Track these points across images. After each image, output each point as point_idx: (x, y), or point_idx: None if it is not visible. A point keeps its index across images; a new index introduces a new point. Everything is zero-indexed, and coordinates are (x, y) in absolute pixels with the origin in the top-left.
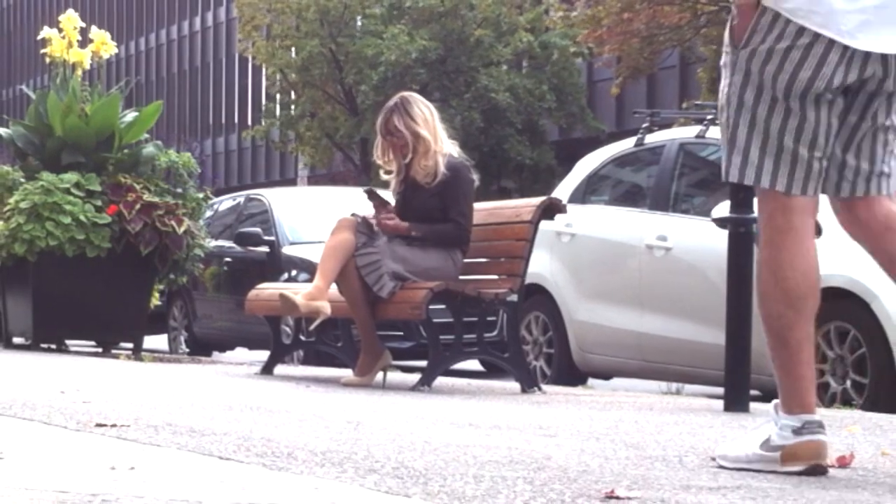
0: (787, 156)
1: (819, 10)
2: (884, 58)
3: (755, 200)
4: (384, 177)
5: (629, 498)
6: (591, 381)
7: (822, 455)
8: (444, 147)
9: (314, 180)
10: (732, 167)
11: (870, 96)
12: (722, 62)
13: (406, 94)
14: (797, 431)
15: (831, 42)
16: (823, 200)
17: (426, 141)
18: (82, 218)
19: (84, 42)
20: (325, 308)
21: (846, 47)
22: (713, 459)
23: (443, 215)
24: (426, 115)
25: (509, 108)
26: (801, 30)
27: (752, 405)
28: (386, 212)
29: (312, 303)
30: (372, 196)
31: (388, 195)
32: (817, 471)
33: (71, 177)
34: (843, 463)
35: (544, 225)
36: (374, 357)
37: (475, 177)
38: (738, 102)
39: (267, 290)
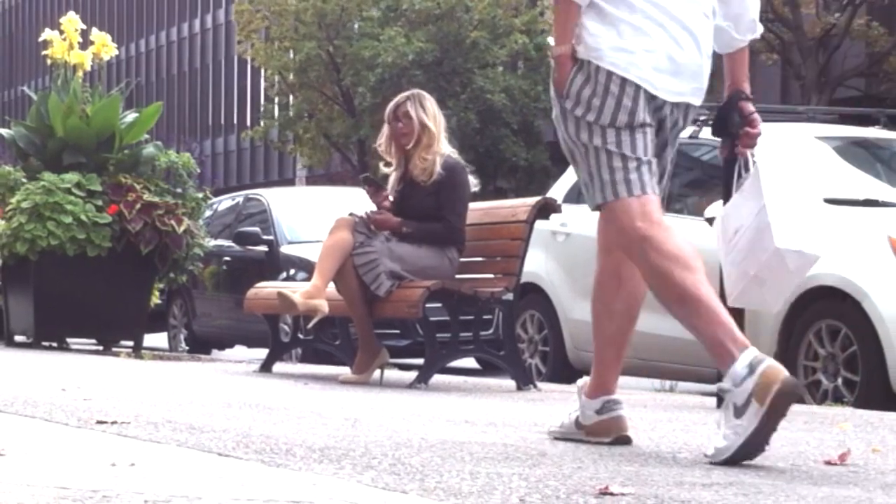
0: (630, 163)
1: (622, 58)
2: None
3: None
4: (384, 169)
5: (623, 494)
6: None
7: (623, 428)
8: (443, 148)
9: (312, 180)
10: (595, 197)
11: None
12: (553, 115)
13: (421, 91)
14: (599, 411)
15: (638, 87)
16: None
17: (431, 134)
18: (83, 217)
19: (85, 44)
20: (323, 306)
21: (645, 91)
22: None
23: (437, 214)
24: (435, 113)
25: (505, 109)
26: (610, 76)
27: None
28: (382, 197)
29: (310, 301)
30: (368, 181)
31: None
32: (621, 441)
33: (72, 177)
34: (842, 460)
35: (539, 224)
36: (371, 355)
37: (475, 180)
38: (584, 146)
39: (265, 288)
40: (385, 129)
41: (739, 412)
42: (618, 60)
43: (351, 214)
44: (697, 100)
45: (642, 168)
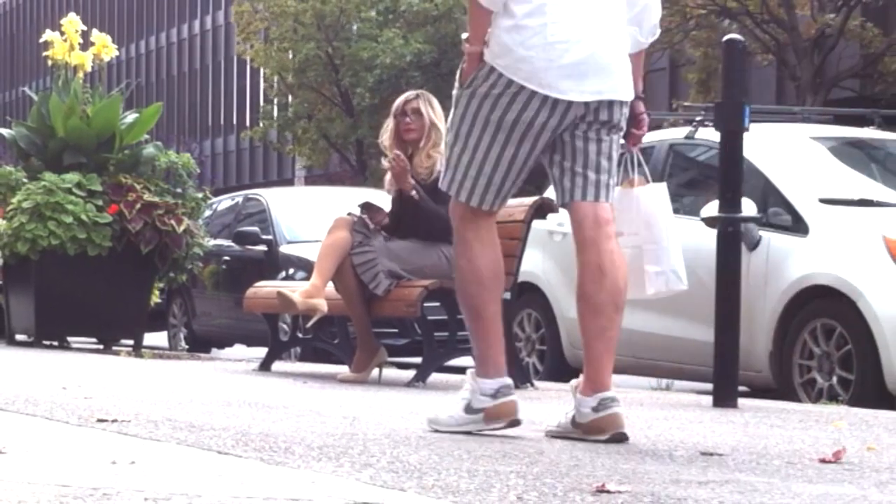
0: (482, 179)
1: (524, 68)
2: (586, 102)
3: (743, 201)
4: (384, 163)
5: (620, 492)
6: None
7: (516, 412)
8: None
9: (311, 180)
10: (445, 179)
11: (587, 124)
12: (453, 94)
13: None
14: (494, 395)
15: (533, 92)
16: None
17: (440, 133)
18: (84, 217)
19: (85, 45)
20: (322, 306)
21: (546, 96)
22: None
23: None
24: (442, 115)
25: None
26: (510, 81)
27: (741, 400)
28: (382, 215)
29: (309, 300)
30: (367, 207)
31: (383, 195)
32: (514, 424)
33: (72, 177)
34: (837, 458)
35: (536, 224)
36: (369, 354)
37: None
38: (456, 131)
39: (265, 288)
40: (389, 123)
41: (470, 412)
42: (521, 68)
43: (349, 214)
44: (619, 95)
45: (494, 179)
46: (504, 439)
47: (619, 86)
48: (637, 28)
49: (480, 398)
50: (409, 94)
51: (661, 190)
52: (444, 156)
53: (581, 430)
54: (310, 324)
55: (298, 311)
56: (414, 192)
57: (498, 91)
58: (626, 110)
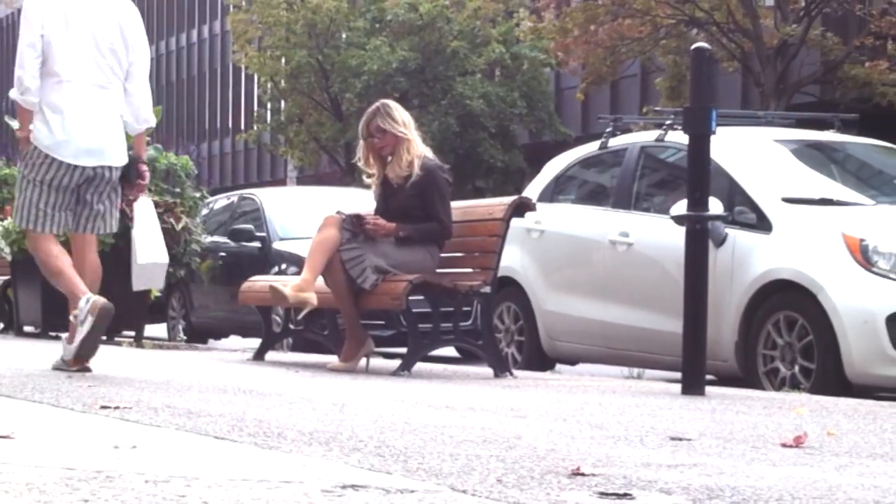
0: (39, 213)
1: (51, 145)
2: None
3: (710, 200)
4: (367, 180)
5: (594, 474)
6: (558, 366)
7: (86, 363)
8: (419, 150)
9: (302, 181)
10: (17, 217)
11: (98, 182)
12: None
13: (385, 100)
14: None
15: (59, 161)
16: None
17: (405, 140)
18: None
19: None
20: (312, 299)
21: (67, 164)
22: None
23: (423, 214)
24: (405, 119)
25: (483, 114)
26: (46, 154)
27: (708, 389)
28: (365, 222)
29: (300, 294)
30: (350, 220)
31: (369, 195)
32: (85, 370)
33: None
34: (798, 442)
35: (515, 222)
36: (357, 344)
37: (449, 177)
38: (21, 182)
39: (258, 282)
40: (361, 144)
41: (81, 323)
42: (50, 147)
43: (338, 212)
44: (114, 161)
45: (44, 214)
46: (485, 426)
47: (113, 155)
48: (133, 119)
49: (65, 355)
50: (367, 114)
51: (147, 202)
52: (17, 198)
53: (67, 365)
54: (300, 316)
55: (290, 304)
56: (402, 233)
57: (41, 160)
58: (118, 170)
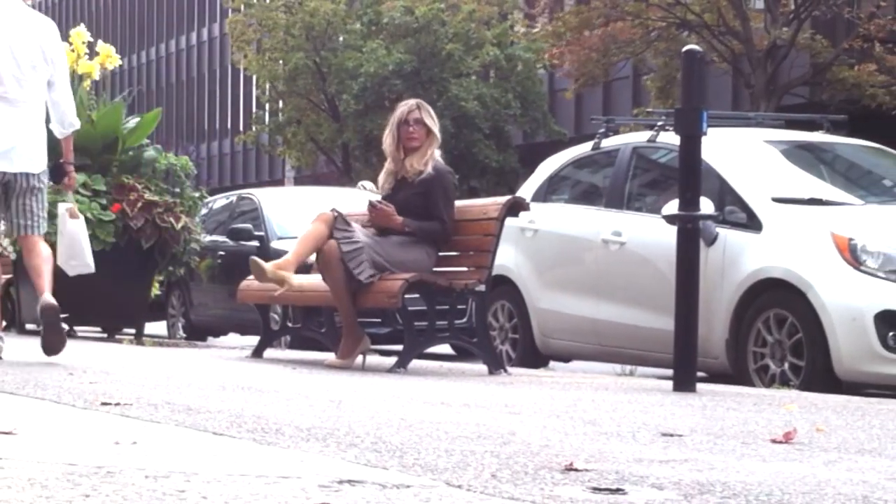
0: None
1: None
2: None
3: (701, 200)
4: (370, 182)
5: (587, 470)
6: (552, 363)
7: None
8: (436, 151)
9: (300, 181)
10: None
11: (17, 187)
12: None
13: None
14: None
15: None
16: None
17: (434, 140)
18: (89, 215)
19: (91, 55)
20: (290, 278)
21: None
22: None
23: (424, 212)
24: (436, 121)
25: (477, 115)
26: None
27: (699, 385)
28: (378, 204)
29: (279, 271)
30: (340, 218)
31: (363, 195)
32: None
33: (79, 178)
34: (788, 438)
35: (509, 221)
36: (354, 342)
37: (455, 182)
38: None
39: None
40: (393, 131)
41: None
42: None
43: (332, 210)
44: (34, 169)
45: None
46: (479, 422)
47: (33, 163)
48: (59, 125)
49: None
50: (411, 104)
51: (74, 214)
52: None
53: None
54: (278, 293)
55: (268, 279)
56: (407, 227)
57: None
58: (36, 177)
